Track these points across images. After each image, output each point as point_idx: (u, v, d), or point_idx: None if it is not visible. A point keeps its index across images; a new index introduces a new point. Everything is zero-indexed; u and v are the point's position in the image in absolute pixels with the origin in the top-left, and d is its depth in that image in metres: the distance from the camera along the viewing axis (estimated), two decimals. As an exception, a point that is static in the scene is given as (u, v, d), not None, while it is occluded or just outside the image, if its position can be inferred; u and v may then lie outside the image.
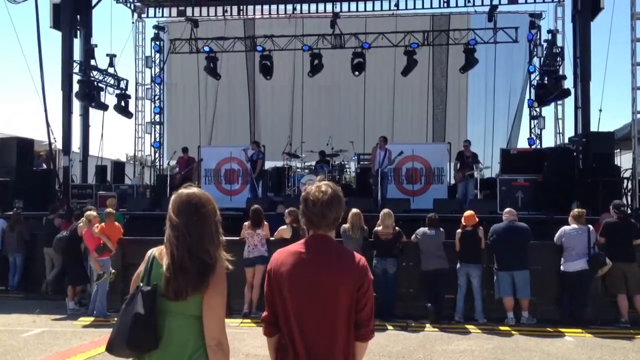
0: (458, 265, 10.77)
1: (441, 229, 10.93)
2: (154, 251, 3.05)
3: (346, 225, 10.77)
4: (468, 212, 11.01)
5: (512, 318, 10.40)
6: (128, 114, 22.09)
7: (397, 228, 11.02)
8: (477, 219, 10.88)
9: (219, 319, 2.90)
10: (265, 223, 11.12)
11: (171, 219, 2.94)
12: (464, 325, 10.30)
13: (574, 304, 10.36)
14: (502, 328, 10.11)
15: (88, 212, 11.37)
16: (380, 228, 10.91)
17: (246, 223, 11.10)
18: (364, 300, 3.01)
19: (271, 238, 11.03)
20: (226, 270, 2.99)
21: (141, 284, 2.94)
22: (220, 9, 22.83)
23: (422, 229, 10.99)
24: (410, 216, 14.06)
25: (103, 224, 11.13)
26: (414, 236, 10.99)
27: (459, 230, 10.86)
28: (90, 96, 19.55)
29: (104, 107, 20.75)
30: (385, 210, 11.15)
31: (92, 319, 10.68)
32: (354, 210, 10.97)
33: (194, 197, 2.97)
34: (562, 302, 10.59)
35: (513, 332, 9.85)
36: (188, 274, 2.84)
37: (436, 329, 10.01)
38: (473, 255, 10.72)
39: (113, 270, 10.86)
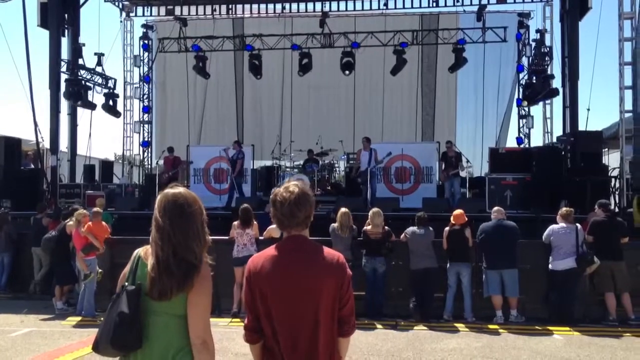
0: (448, 265, 10.79)
1: (430, 228, 10.95)
2: (139, 251, 3.04)
3: (335, 225, 10.79)
4: (457, 211, 11.04)
5: (501, 316, 10.45)
6: (116, 113, 22.01)
7: (386, 227, 11.03)
8: (466, 218, 10.91)
9: (204, 317, 2.90)
10: (255, 222, 11.10)
11: (156, 219, 2.93)
12: (452, 324, 10.33)
13: (562, 302, 10.41)
14: (490, 326, 10.14)
15: (78, 212, 11.31)
16: (369, 227, 10.91)
17: (235, 222, 11.09)
18: (346, 296, 3.05)
19: (260, 237, 11.02)
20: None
21: (126, 284, 2.95)
22: (209, 8, 22.76)
23: (411, 228, 11.00)
24: (399, 215, 14.09)
25: (90, 223, 11.08)
26: (403, 235, 11.00)
27: (447, 229, 10.89)
28: (78, 95, 19.45)
29: (91, 106, 20.67)
30: (375, 209, 11.15)
31: (80, 318, 10.64)
32: (343, 209, 10.98)
33: (180, 197, 2.97)
34: (550, 300, 10.64)
35: (502, 331, 9.88)
36: (173, 274, 2.83)
37: (425, 328, 10.03)
38: (462, 254, 10.75)
39: (100, 270, 10.82)
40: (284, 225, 3.11)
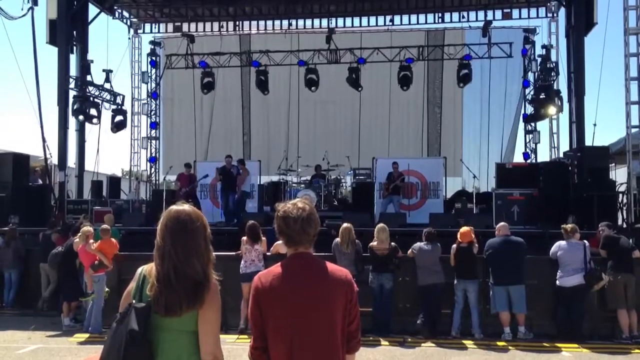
0: (455, 282, 10.74)
1: (438, 244, 10.91)
2: (144, 268, 3.06)
3: (337, 240, 10.75)
4: (464, 229, 10.95)
5: (509, 333, 10.36)
6: (120, 128, 21.77)
7: (392, 243, 10.97)
8: (473, 236, 10.85)
9: (215, 333, 2.93)
10: (264, 238, 11.10)
11: (158, 235, 2.96)
12: (460, 341, 10.27)
13: (570, 319, 10.34)
14: (498, 343, 10.08)
15: (84, 229, 11.33)
16: (375, 243, 10.87)
17: (244, 238, 11.08)
18: (354, 312, 3.08)
19: (267, 253, 11.01)
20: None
21: (134, 301, 2.95)
22: (216, 25, 22.98)
23: (418, 244, 10.97)
24: (406, 230, 14.06)
25: (99, 240, 11.08)
26: (410, 251, 10.96)
27: (454, 246, 10.85)
28: (86, 112, 19.52)
29: (99, 122, 20.54)
30: (380, 225, 11.12)
31: (87, 335, 10.63)
32: (345, 224, 10.94)
33: (183, 214, 2.99)
34: (558, 316, 10.57)
35: (510, 347, 9.82)
36: (175, 289, 2.85)
37: (433, 345, 9.98)
38: (469, 271, 10.69)
39: (107, 289, 10.81)
40: (295, 242, 3.11)
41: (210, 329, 2.90)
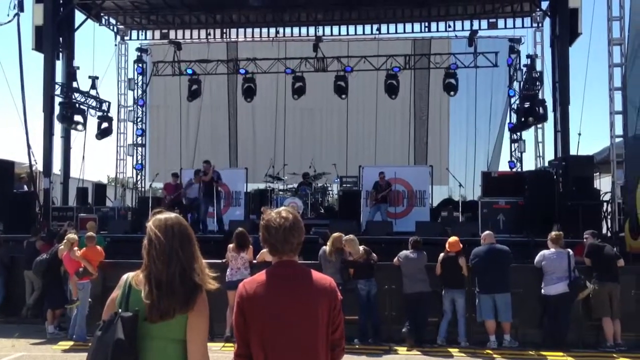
0: (443, 292, 10.75)
1: (423, 252, 10.93)
2: (129, 276, 3.04)
3: (326, 249, 10.73)
4: (452, 239, 10.97)
5: (495, 341, 10.38)
6: (106, 135, 21.63)
7: (363, 247, 10.94)
8: (461, 246, 10.87)
9: (204, 342, 2.92)
10: (250, 246, 11.07)
11: (160, 241, 2.91)
12: (446, 349, 10.29)
13: (555, 327, 10.38)
14: (484, 351, 10.11)
15: (68, 236, 11.26)
16: (354, 256, 10.81)
17: (230, 245, 11.05)
18: (337, 319, 3.08)
19: (254, 261, 10.98)
20: (213, 289, 2.99)
21: (120, 310, 2.93)
22: (203, 32, 22.93)
23: (404, 252, 10.97)
24: (392, 239, 14.07)
25: (84, 248, 11.01)
26: (396, 259, 10.97)
27: (442, 255, 10.86)
28: (72, 118, 19.41)
29: (83, 125, 20.37)
30: (347, 238, 10.98)
31: (71, 343, 10.54)
32: (335, 234, 10.93)
33: (182, 221, 3.03)
34: (543, 325, 10.61)
35: (495, 356, 9.86)
36: (176, 295, 2.84)
37: (419, 353, 9.99)
38: (457, 280, 10.71)
39: (89, 300, 10.73)
40: (277, 250, 3.10)
41: (198, 336, 2.89)
